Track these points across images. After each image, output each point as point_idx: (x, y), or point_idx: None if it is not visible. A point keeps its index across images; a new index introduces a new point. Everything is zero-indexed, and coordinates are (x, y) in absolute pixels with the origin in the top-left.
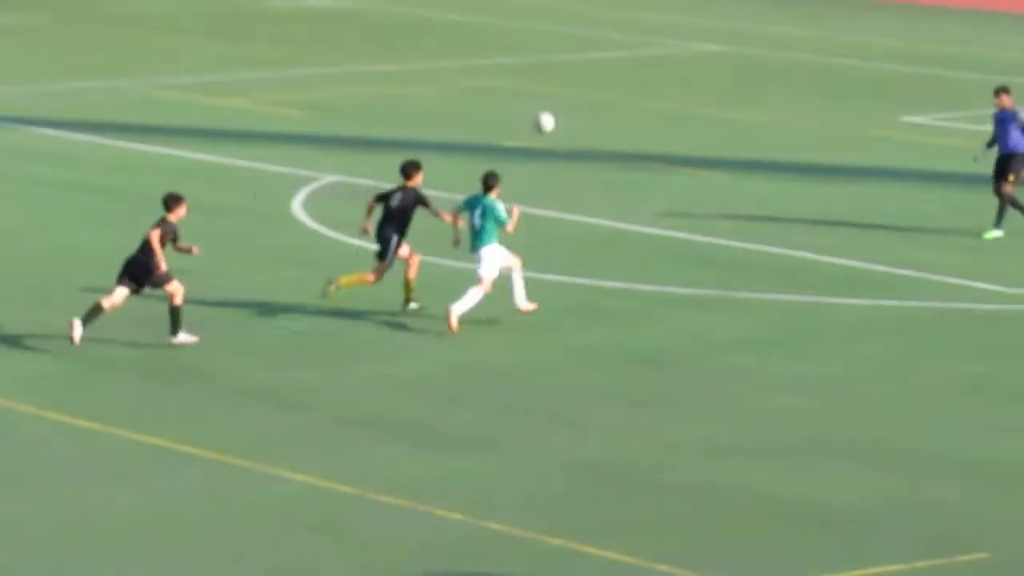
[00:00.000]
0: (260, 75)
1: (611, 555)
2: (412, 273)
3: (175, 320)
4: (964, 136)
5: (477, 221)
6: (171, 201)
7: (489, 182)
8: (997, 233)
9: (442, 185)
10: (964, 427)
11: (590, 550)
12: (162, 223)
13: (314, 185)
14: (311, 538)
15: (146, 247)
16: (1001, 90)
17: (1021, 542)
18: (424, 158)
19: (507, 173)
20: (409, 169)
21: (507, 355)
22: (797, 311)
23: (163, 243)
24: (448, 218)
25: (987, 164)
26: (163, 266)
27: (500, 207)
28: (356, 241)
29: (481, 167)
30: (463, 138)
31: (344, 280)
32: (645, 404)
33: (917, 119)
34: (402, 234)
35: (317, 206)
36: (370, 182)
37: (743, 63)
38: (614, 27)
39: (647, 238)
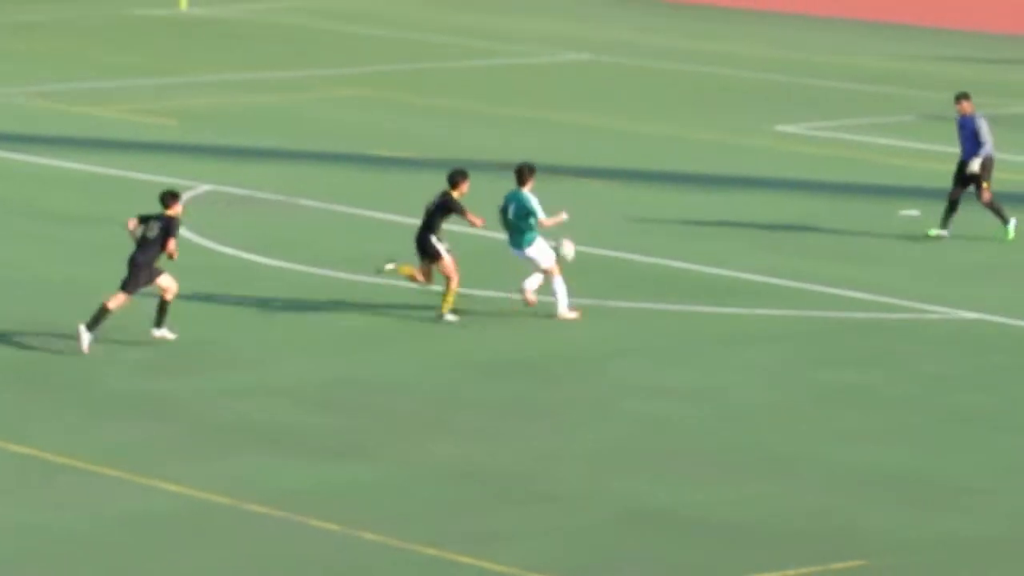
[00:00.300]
0: (133, 84)
1: (487, 565)
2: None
3: (162, 314)
4: (836, 145)
5: (512, 217)
6: (169, 198)
7: (523, 175)
8: (943, 232)
9: (316, 195)
10: (837, 435)
11: (466, 560)
12: (171, 222)
13: (188, 194)
14: (187, 549)
15: (155, 248)
16: (961, 96)
17: (894, 549)
18: (296, 167)
19: (378, 182)
20: (456, 178)
21: (383, 363)
22: (671, 320)
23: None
24: (479, 222)
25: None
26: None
27: (531, 200)
28: (232, 250)
29: (351, 176)
30: (335, 147)
31: (402, 268)
32: (522, 413)
33: (790, 128)
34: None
35: (190, 215)
36: (243, 191)
37: (614, 72)
38: (486, 36)
39: None
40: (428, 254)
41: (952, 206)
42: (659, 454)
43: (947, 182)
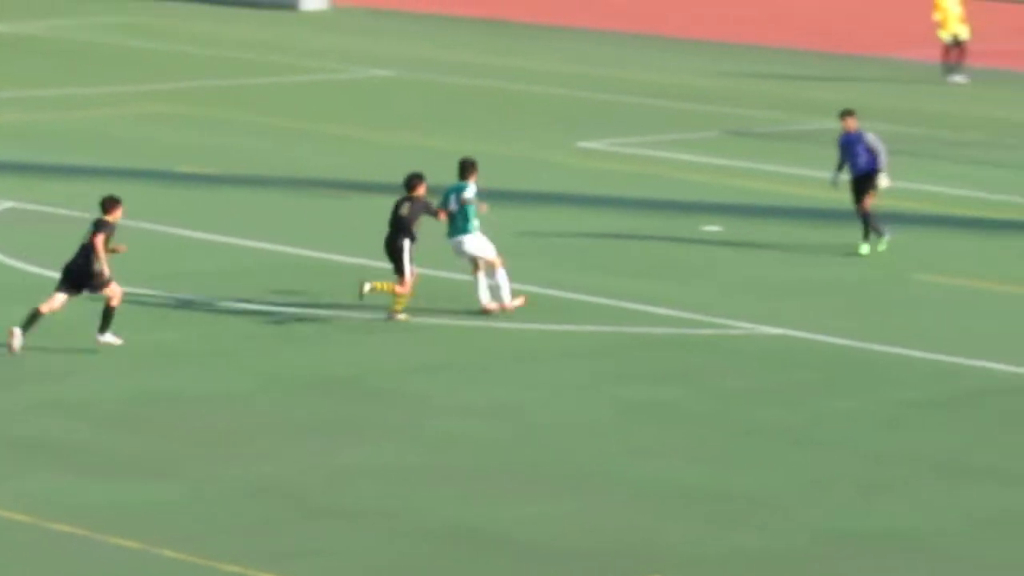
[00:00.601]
0: None
1: None
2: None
3: (107, 320)
4: (638, 161)
5: (454, 207)
6: (109, 203)
7: (466, 169)
8: (866, 248)
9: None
10: (638, 451)
11: None
12: (104, 226)
13: None
14: None
15: (88, 252)
16: (846, 113)
17: (692, 564)
18: (102, 183)
19: (181, 199)
20: (413, 181)
21: (189, 380)
22: (474, 336)
23: (106, 246)
24: (443, 217)
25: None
26: (106, 271)
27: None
28: (37, 268)
29: (156, 192)
30: (140, 163)
31: (378, 285)
32: (324, 429)
33: (592, 144)
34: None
35: None
36: (48, 208)
37: (417, 88)
38: (292, 53)
39: (326, 264)
40: (394, 261)
41: (865, 219)
42: (462, 471)
43: (750, 197)
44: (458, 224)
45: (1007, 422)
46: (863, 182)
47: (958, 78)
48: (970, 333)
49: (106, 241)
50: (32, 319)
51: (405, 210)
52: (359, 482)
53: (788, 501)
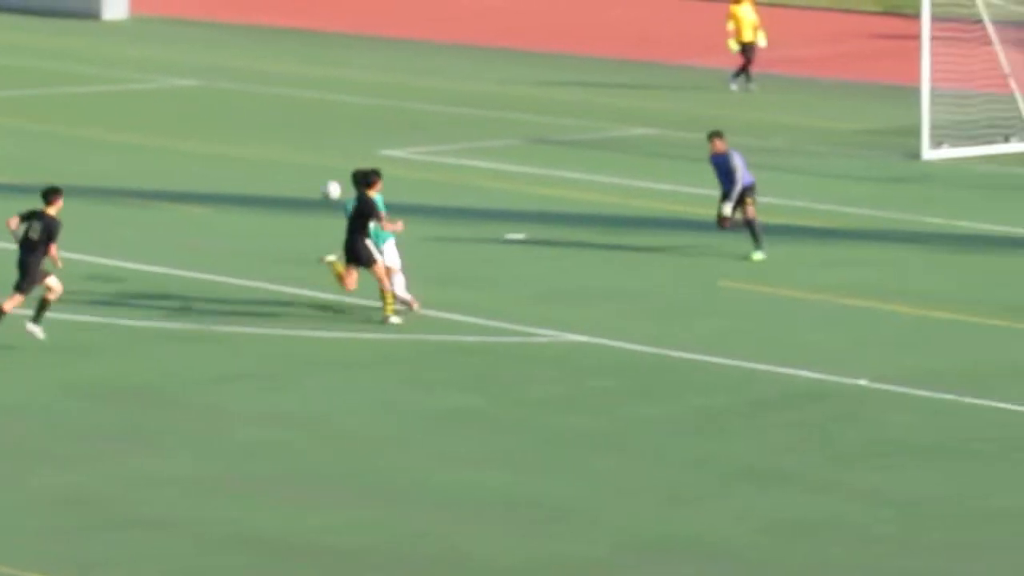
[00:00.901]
0: None
1: None
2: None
3: (41, 311)
4: (441, 169)
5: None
6: (51, 194)
7: (369, 179)
8: (760, 255)
9: None
10: (441, 458)
11: None
12: (52, 223)
13: None
14: None
15: (41, 248)
16: (714, 135)
17: (500, 571)
18: None
19: None
20: (371, 177)
21: None
22: (278, 345)
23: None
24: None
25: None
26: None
27: (376, 203)
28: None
29: None
30: None
31: (335, 264)
32: (126, 439)
33: (395, 152)
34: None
35: None
36: None
37: (221, 98)
38: (94, 63)
39: (129, 272)
40: (361, 260)
41: (749, 225)
42: (265, 480)
43: (553, 205)
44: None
45: (809, 429)
46: (741, 194)
47: (749, 86)
48: (773, 340)
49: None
50: None
51: (357, 210)
52: (163, 491)
53: (594, 508)
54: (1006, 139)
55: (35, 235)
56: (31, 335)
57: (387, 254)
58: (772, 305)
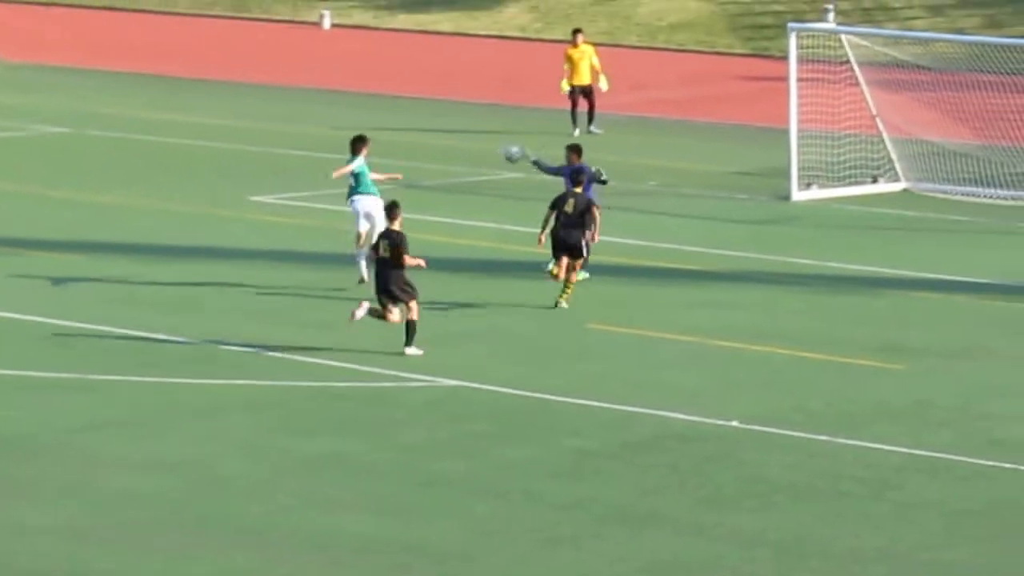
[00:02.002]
0: None
1: None
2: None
3: None
4: (311, 214)
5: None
6: None
7: (355, 144)
8: (585, 275)
9: None
10: (315, 504)
11: None
12: None
13: None
14: None
15: None
16: (572, 149)
17: None
18: None
19: None
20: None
21: None
22: (151, 392)
23: None
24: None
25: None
26: None
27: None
28: None
29: None
30: None
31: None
32: None
33: (265, 198)
34: None
35: None
36: None
37: (89, 145)
38: None
39: (1, 321)
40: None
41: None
42: (141, 528)
43: (425, 250)
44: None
45: (683, 471)
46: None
47: (590, 128)
48: (644, 382)
49: None
50: None
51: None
52: (38, 541)
53: (470, 552)
54: (874, 180)
55: None
56: None
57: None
58: (643, 347)
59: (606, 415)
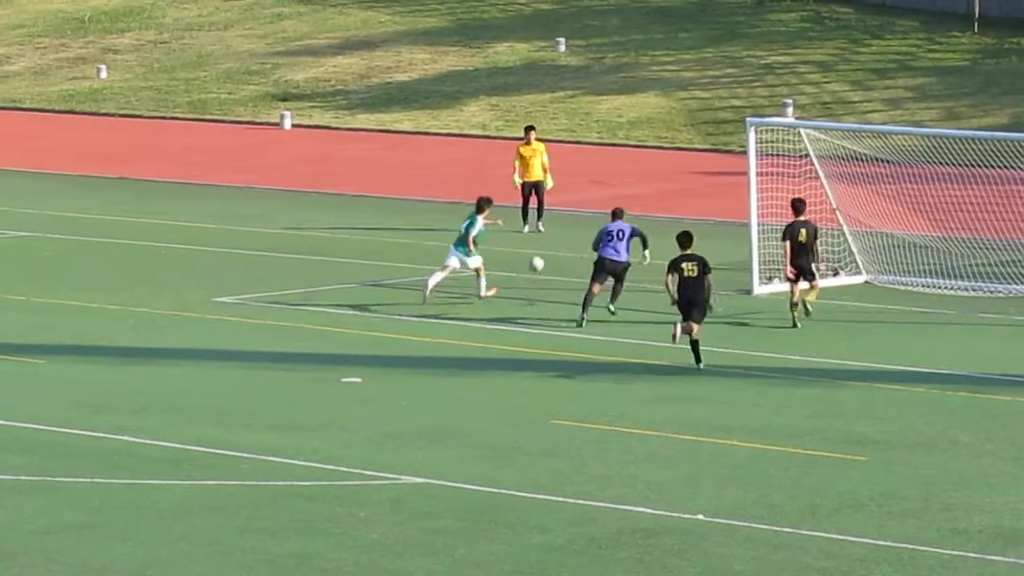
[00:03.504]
0: None
1: None
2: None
3: None
4: (274, 314)
5: (463, 232)
6: None
7: (481, 206)
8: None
9: None
10: None
11: None
12: None
13: None
14: None
15: None
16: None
17: None
18: None
19: None
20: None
21: None
22: (117, 493)
23: None
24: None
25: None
26: None
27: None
28: None
29: None
30: None
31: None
32: None
33: (228, 299)
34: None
35: None
36: None
37: (52, 248)
38: None
39: None
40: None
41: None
42: None
43: (388, 348)
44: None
45: (649, 565)
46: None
47: (539, 225)
48: (608, 477)
49: None
50: None
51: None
52: None
53: None
54: (835, 273)
55: None
56: None
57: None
58: (607, 442)
59: (571, 511)
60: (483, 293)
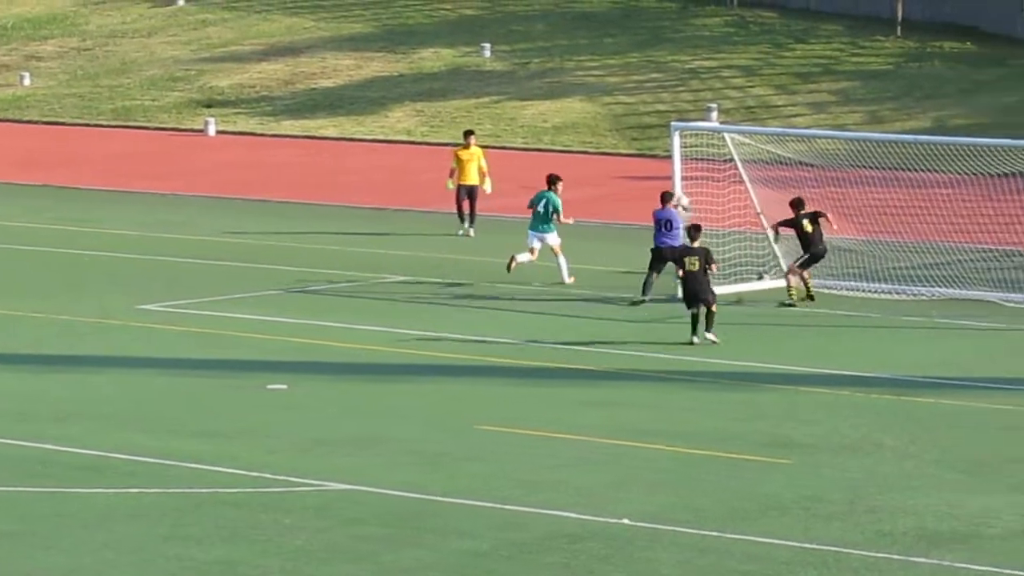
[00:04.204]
0: None
1: None
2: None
3: None
4: (199, 321)
5: (541, 210)
6: None
7: (552, 181)
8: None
9: None
10: None
11: None
12: None
13: None
14: None
15: None
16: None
17: None
18: None
19: None
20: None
21: None
22: (41, 502)
23: None
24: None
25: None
26: None
27: (557, 200)
28: None
29: None
30: None
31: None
32: None
33: (153, 307)
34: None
35: None
36: None
37: None
38: None
39: None
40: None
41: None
42: None
43: (312, 354)
44: (542, 224)
45: (574, 570)
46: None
47: (470, 230)
48: (534, 482)
49: None
50: None
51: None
52: None
53: None
54: (760, 276)
55: None
56: None
57: (554, 238)
58: (533, 447)
59: (497, 516)
60: (566, 279)
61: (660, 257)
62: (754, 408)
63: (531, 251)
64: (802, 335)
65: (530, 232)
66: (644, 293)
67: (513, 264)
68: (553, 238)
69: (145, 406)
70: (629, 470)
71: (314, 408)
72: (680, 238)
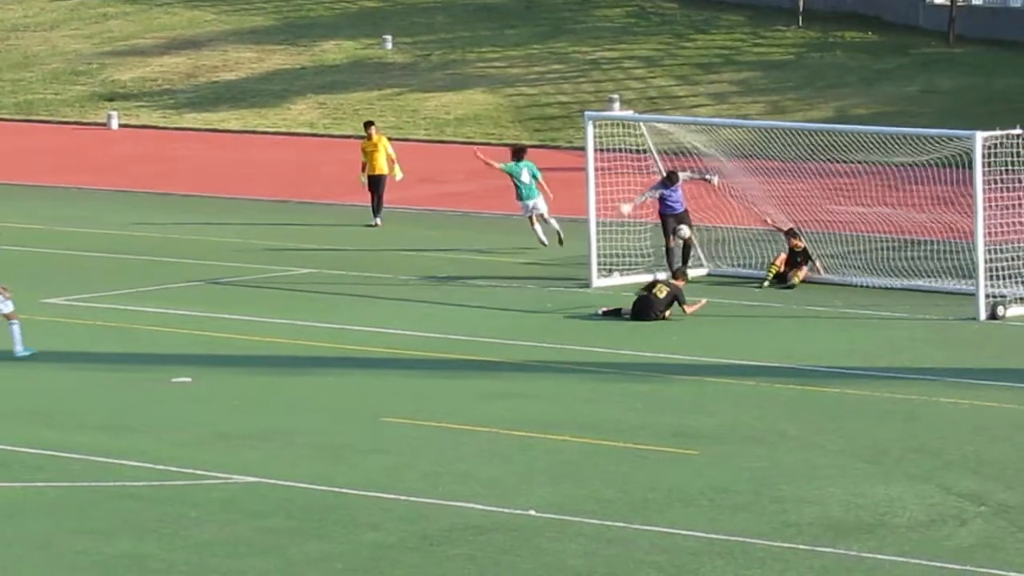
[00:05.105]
0: None
1: None
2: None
3: None
4: (103, 314)
5: (530, 180)
6: None
7: (523, 151)
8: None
9: None
10: None
11: None
12: None
13: None
14: None
15: None
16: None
17: None
18: None
19: None
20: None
21: None
22: None
23: None
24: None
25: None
26: None
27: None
28: None
29: None
30: None
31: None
32: None
33: (57, 300)
34: None
35: None
36: None
37: None
38: None
39: None
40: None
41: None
42: None
43: (218, 347)
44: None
45: (481, 562)
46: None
47: (376, 220)
48: (439, 474)
49: None
50: None
51: None
52: None
53: None
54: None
55: None
56: None
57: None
58: (438, 439)
59: (403, 508)
60: (544, 240)
61: (668, 224)
62: (660, 399)
63: (540, 217)
64: (708, 325)
65: (527, 203)
66: (671, 263)
67: (560, 237)
68: (541, 203)
69: (50, 400)
70: (535, 461)
71: (219, 401)
72: (681, 200)
